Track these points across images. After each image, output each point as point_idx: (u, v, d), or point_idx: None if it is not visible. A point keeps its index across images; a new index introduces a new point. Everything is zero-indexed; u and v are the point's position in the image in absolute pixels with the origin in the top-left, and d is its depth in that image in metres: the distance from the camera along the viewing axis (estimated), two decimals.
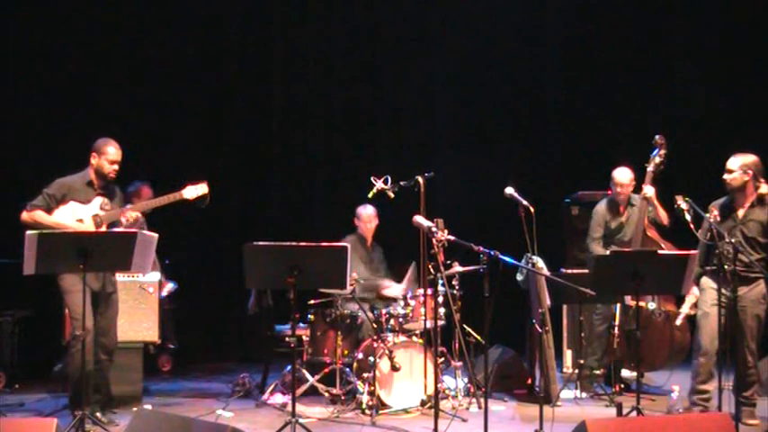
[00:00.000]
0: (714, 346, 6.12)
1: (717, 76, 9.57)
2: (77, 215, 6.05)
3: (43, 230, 5.43)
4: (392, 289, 7.44)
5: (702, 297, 6.26)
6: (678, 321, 6.59)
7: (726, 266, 5.75)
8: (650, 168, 6.92)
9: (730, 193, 6.21)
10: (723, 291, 5.98)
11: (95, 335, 5.97)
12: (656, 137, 6.94)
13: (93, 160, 6.09)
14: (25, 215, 5.98)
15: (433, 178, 6.60)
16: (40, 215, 5.96)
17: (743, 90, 9.45)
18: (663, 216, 6.97)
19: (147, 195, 7.40)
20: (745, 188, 6.17)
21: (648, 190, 6.93)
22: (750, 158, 6.18)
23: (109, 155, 6.06)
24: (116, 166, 6.11)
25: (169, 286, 7.81)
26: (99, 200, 6.11)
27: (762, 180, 6.18)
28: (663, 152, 6.91)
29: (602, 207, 7.31)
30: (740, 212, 6.17)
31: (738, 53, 9.53)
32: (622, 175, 7.17)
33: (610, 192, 7.32)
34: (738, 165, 6.17)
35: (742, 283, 6.02)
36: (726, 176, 6.20)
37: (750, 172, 6.15)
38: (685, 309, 6.46)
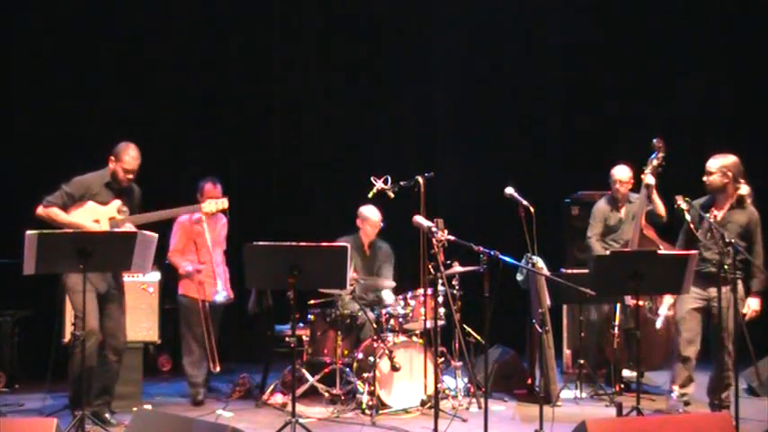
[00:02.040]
0: (693, 351, 6.11)
1: (717, 77, 9.57)
2: (95, 216, 6.01)
3: (43, 230, 5.41)
4: (387, 294, 7.31)
5: (680, 300, 6.21)
6: (658, 325, 6.57)
7: (726, 266, 5.72)
8: (648, 170, 6.92)
9: (710, 194, 6.17)
10: (701, 291, 6.02)
11: (104, 336, 5.95)
12: (654, 140, 6.94)
13: (111, 164, 6.07)
14: (41, 210, 5.94)
15: (432, 178, 6.60)
16: (55, 212, 5.92)
17: (743, 90, 9.46)
18: (661, 208, 6.94)
19: (209, 193, 6.85)
20: (725, 189, 6.15)
21: (649, 178, 6.90)
22: (730, 159, 6.15)
23: (125, 163, 6.02)
24: (131, 175, 6.07)
25: (222, 294, 6.93)
26: (117, 202, 6.06)
27: (741, 181, 6.15)
28: (661, 155, 6.90)
29: (601, 204, 7.38)
30: (720, 214, 6.11)
31: (738, 53, 9.53)
32: (621, 171, 7.27)
33: (609, 192, 7.38)
34: (717, 166, 6.14)
35: (721, 284, 5.88)
36: (705, 178, 6.18)
37: (730, 174, 6.12)
38: (663, 310, 6.45)
